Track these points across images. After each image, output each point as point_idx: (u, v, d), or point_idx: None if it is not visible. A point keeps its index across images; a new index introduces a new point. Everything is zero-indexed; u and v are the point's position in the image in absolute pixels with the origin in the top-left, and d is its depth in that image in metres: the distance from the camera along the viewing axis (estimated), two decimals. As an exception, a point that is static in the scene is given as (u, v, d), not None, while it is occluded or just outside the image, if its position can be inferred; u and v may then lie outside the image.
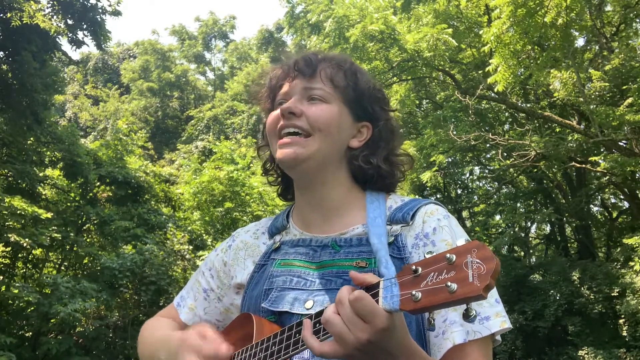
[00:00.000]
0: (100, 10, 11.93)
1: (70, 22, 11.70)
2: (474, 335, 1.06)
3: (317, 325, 0.97)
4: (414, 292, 0.84)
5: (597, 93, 11.65)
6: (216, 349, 1.11)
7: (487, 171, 18.70)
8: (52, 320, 10.70)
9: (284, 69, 1.32)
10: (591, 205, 19.26)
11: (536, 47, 10.75)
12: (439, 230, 1.18)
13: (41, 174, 13.09)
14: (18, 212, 10.56)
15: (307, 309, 1.14)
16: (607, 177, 14.09)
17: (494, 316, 1.08)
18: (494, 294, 1.12)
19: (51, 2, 11.31)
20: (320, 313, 0.98)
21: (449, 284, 0.81)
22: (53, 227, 11.88)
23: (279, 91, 1.31)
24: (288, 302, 1.17)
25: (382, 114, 1.32)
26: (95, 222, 13.58)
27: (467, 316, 0.82)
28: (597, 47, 13.24)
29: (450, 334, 1.07)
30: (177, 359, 1.14)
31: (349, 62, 1.33)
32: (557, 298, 15.30)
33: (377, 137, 1.30)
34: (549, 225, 21.05)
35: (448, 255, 0.84)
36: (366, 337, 0.88)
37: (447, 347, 1.06)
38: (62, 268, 13.77)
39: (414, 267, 0.87)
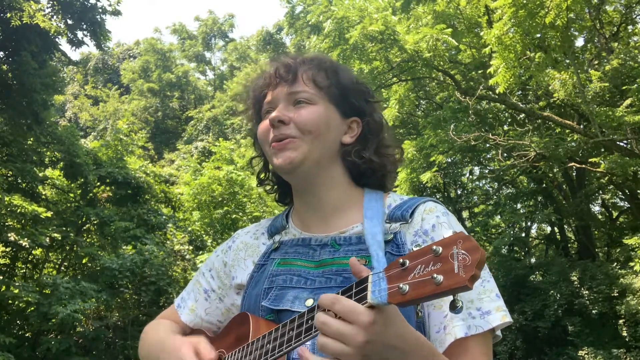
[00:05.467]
0: (100, 10, 11.93)
1: (70, 22, 11.70)
2: (475, 329, 1.07)
3: (310, 321, 0.97)
4: (401, 285, 0.85)
5: (596, 93, 11.65)
6: None
7: (487, 171, 18.69)
8: (52, 320, 10.71)
9: (265, 77, 1.33)
10: (591, 206, 19.26)
11: (536, 48, 10.75)
12: (438, 226, 1.19)
13: (41, 174, 13.09)
14: (18, 210, 10.56)
15: (308, 307, 1.13)
16: (608, 177, 14.09)
17: (494, 310, 1.09)
18: (493, 288, 1.13)
19: (51, 2, 11.31)
20: (312, 309, 0.98)
21: (435, 275, 0.82)
22: (52, 227, 11.88)
23: (264, 100, 1.32)
24: (288, 301, 1.18)
25: (367, 108, 1.34)
26: (95, 222, 13.58)
27: (454, 307, 0.83)
28: (597, 47, 13.24)
29: (452, 328, 1.07)
30: None
31: (329, 60, 1.34)
32: (557, 298, 15.30)
33: (367, 131, 1.32)
34: (549, 225, 21.06)
35: (434, 247, 0.84)
36: (362, 339, 0.88)
37: (448, 342, 1.07)
38: (62, 268, 13.78)
39: (401, 261, 0.88)
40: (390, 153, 1.35)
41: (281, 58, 1.35)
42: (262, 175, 1.44)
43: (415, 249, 0.89)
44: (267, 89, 1.31)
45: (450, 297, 0.83)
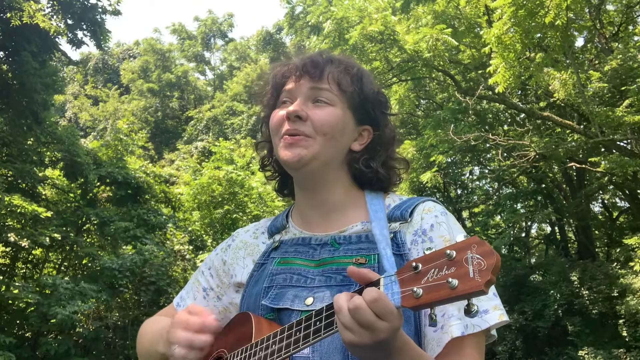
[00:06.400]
0: (100, 10, 11.94)
1: (70, 22, 11.70)
2: (472, 328, 1.07)
3: (318, 323, 0.97)
4: (415, 289, 0.85)
5: (596, 93, 11.64)
6: (203, 321, 1.15)
7: (487, 171, 18.70)
8: (52, 321, 10.71)
9: (290, 67, 1.32)
10: (591, 206, 19.26)
11: (536, 48, 10.74)
12: (436, 226, 1.19)
13: (41, 174, 13.08)
14: (18, 210, 10.54)
15: (307, 306, 1.14)
16: (608, 177, 14.09)
17: (492, 309, 1.09)
18: (491, 287, 1.13)
19: (51, 2, 11.31)
20: (321, 311, 0.98)
21: (450, 279, 0.81)
22: (52, 227, 11.87)
23: (283, 88, 1.32)
24: (288, 299, 1.18)
25: (383, 119, 1.34)
26: (95, 222, 13.57)
27: (469, 312, 0.83)
28: (597, 47, 13.23)
29: (448, 327, 1.08)
30: (168, 338, 1.17)
31: (356, 66, 1.33)
32: (557, 298, 15.30)
33: (377, 142, 1.32)
34: (549, 225, 21.06)
35: (448, 251, 0.84)
36: (384, 336, 0.89)
37: (445, 341, 1.07)
38: (62, 268, 13.77)
39: (414, 264, 0.87)
40: (397, 166, 1.36)
41: (310, 53, 1.35)
42: (265, 161, 1.43)
43: (426, 251, 0.88)
44: (289, 79, 1.31)
45: (462, 302, 0.83)
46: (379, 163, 1.30)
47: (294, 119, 1.24)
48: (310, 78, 1.27)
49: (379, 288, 0.90)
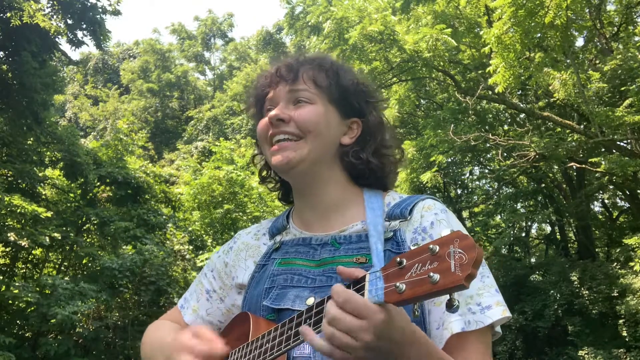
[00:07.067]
0: (100, 10, 11.94)
1: (70, 21, 11.71)
2: (476, 325, 1.07)
3: (309, 320, 0.97)
4: (398, 284, 0.85)
5: (596, 93, 11.65)
6: (210, 348, 1.11)
7: (487, 171, 18.70)
8: (52, 321, 10.71)
9: (266, 76, 1.34)
10: (591, 206, 19.27)
11: (536, 48, 10.74)
12: (436, 223, 1.19)
13: (41, 174, 13.08)
14: (18, 210, 10.54)
15: (309, 306, 1.14)
16: (607, 177, 14.09)
17: (494, 305, 1.09)
18: (492, 284, 1.14)
19: (51, 2, 11.31)
20: (311, 308, 0.98)
21: (432, 274, 0.81)
22: (52, 227, 11.87)
23: (266, 97, 1.33)
24: (289, 300, 1.18)
25: (368, 108, 1.34)
26: (95, 222, 13.57)
27: (450, 306, 0.83)
28: (598, 47, 13.23)
29: (449, 324, 1.08)
30: None
31: (330, 61, 1.35)
32: (557, 298, 15.31)
33: (366, 132, 1.32)
34: (549, 225, 21.06)
35: (431, 246, 0.84)
36: (371, 336, 0.88)
37: (446, 337, 1.07)
38: (62, 268, 13.77)
39: (398, 259, 0.88)
40: (390, 154, 1.35)
41: (283, 58, 1.36)
42: (264, 173, 1.44)
43: (413, 247, 0.89)
44: (269, 88, 1.32)
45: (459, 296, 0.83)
46: (369, 153, 1.30)
47: (276, 122, 1.26)
48: (286, 82, 1.29)
49: (364, 284, 0.90)
